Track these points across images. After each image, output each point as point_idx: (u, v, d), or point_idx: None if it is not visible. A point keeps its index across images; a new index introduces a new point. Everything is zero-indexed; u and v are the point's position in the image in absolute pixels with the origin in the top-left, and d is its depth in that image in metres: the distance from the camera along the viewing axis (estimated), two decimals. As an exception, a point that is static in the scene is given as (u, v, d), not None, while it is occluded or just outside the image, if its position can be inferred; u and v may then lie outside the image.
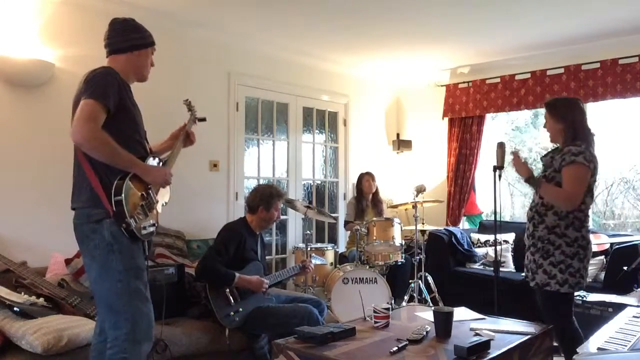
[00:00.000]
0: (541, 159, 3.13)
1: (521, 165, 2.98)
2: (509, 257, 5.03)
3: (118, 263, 2.13)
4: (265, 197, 3.44)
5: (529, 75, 5.36)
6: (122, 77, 2.26)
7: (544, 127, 3.10)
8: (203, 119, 2.77)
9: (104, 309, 2.21)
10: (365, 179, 5.36)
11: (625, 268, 3.79)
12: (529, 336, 2.48)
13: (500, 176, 3.14)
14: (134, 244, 2.18)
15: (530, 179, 2.93)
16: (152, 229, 2.27)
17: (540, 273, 2.90)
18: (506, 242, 5.10)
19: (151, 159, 2.35)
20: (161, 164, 2.43)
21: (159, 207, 2.38)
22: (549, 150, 3.12)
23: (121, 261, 2.13)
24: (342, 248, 5.66)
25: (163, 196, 2.42)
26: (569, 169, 2.84)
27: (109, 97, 2.11)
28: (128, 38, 2.30)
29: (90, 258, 2.17)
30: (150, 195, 2.27)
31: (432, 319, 2.52)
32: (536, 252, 2.93)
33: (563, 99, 3.22)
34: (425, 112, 6.31)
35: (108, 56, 2.33)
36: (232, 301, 3.17)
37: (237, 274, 3.17)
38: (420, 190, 5.02)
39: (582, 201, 2.85)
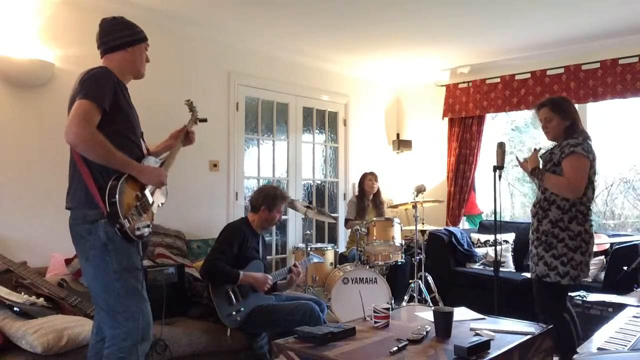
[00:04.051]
0: (540, 157, 3.14)
1: (532, 157, 3.07)
2: (509, 257, 5.03)
3: (114, 263, 2.12)
4: (269, 198, 3.44)
5: (529, 75, 5.36)
6: (118, 76, 2.24)
7: (544, 128, 3.12)
8: (204, 120, 2.76)
9: (102, 309, 2.21)
10: (367, 178, 5.38)
11: (625, 268, 3.79)
12: (529, 336, 2.48)
13: (500, 176, 3.16)
14: (129, 245, 2.17)
15: (536, 169, 2.99)
16: (146, 230, 2.24)
17: (540, 265, 2.97)
18: (506, 242, 5.10)
19: (152, 159, 2.35)
20: (160, 164, 2.42)
21: (154, 209, 2.36)
22: (549, 148, 3.15)
23: (117, 261, 2.12)
24: (342, 248, 5.66)
25: (159, 197, 2.40)
26: (569, 160, 2.89)
27: (104, 98, 2.10)
28: (120, 36, 2.28)
29: (86, 258, 2.16)
30: (146, 196, 2.26)
31: (432, 319, 2.52)
32: (539, 246, 2.99)
33: (561, 98, 3.25)
34: (425, 112, 6.31)
35: (102, 56, 2.32)
36: (234, 300, 3.17)
37: (241, 272, 3.18)
38: (420, 190, 5.02)
39: (584, 193, 2.88)
